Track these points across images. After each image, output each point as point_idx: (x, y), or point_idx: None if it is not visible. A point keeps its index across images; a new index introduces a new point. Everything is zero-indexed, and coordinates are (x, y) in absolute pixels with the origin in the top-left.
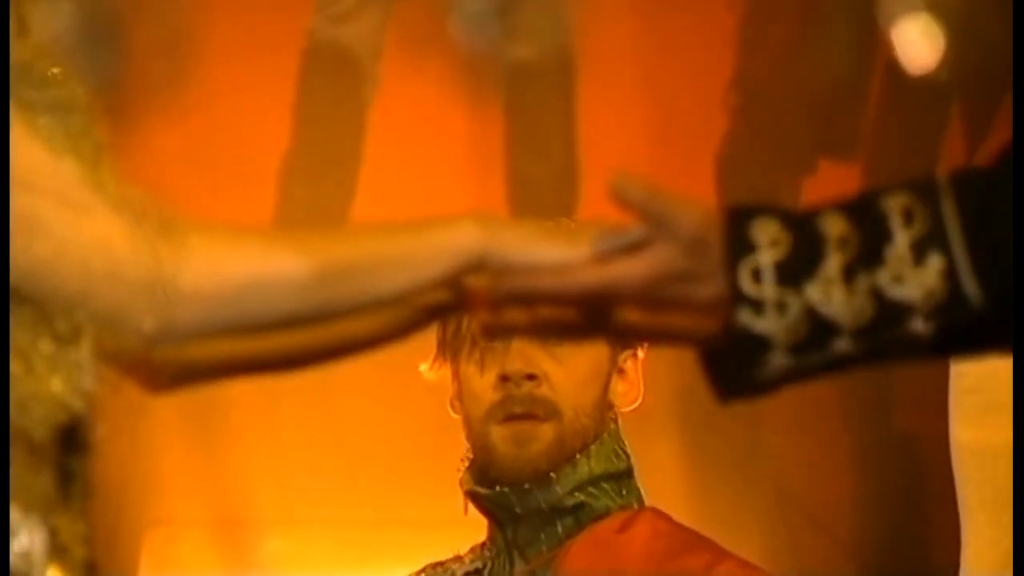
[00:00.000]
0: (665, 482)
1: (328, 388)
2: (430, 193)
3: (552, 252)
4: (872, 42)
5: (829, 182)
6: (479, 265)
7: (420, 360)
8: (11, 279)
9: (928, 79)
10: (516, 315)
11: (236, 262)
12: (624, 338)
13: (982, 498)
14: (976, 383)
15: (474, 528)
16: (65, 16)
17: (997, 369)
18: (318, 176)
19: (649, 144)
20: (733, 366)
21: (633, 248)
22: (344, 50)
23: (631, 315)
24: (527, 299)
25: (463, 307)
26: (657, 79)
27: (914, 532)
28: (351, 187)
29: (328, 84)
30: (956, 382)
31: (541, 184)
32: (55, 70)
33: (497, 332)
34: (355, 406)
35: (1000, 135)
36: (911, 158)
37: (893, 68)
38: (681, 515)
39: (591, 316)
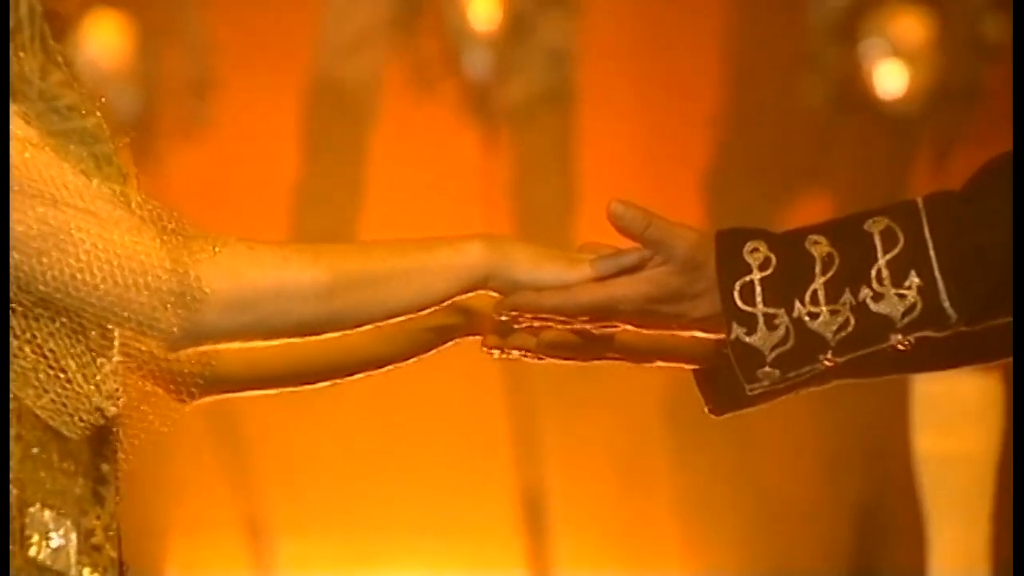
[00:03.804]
0: (660, 491)
1: (341, 403)
2: (442, 214)
3: (556, 272)
4: (845, 79)
5: (806, 201)
6: (485, 283)
7: (426, 375)
8: (45, 292)
9: (896, 110)
10: (522, 337)
11: (255, 271)
12: (623, 358)
13: (950, 503)
14: (938, 394)
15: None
16: (99, 55)
17: (958, 381)
18: (325, 203)
19: (642, 168)
20: (726, 379)
21: (631, 269)
22: (345, 82)
23: (630, 336)
24: (532, 315)
25: (471, 329)
26: (651, 110)
27: (882, 534)
28: (357, 211)
29: (330, 115)
30: (918, 394)
31: (544, 206)
32: (83, 102)
33: (504, 353)
34: (366, 420)
35: (962, 158)
36: (880, 181)
37: (864, 101)
38: (674, 519)
39: (592, 337)
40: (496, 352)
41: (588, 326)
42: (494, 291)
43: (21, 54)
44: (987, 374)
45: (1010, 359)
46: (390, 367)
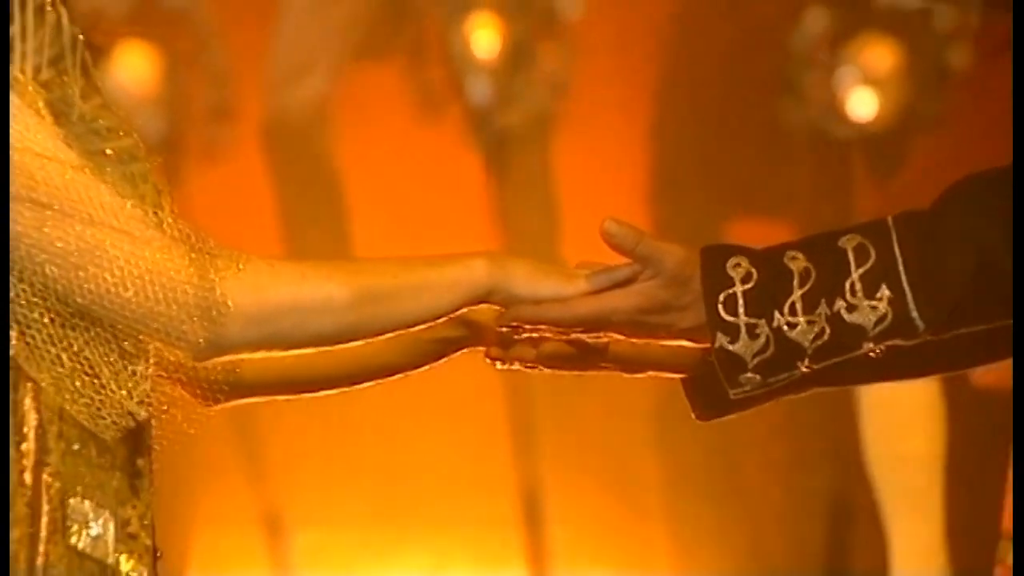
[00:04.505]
0: (648, 494)
1: (353, 407)
2: (439, 230)
3: (553, 287)
4: (821, 104)
5: (787, 222)
6: (488, 297)
7: (434, 382)
8: (82, 304)
9: (867, 133)
10: (523, 348)
11: (275, 287)
12: (616, 368)
13: (904, 501)
14: (881, 401)
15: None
16: (129, 82)
17: (899, 387)
18: (310, 228)
19: (628, 191)
20: (711, 386)
21: (623, 283)
22: (297, 113)
23: (622, 346)
24: (531, 327)
25: (475, 341)
26: (638, 136)
27: (854, 530)
28: (360, 228)
29: (291, 146)
30: (864, 402)
31: (534, 224)
32: (120, 124)
33: (506, 362)
34: (377, 422)
35: (906, 182)
36: (852, 200)
37: (838, 125)
38: (663, 522)
39: (587, 347)
40: (498, 362)
41: (583, 337)
42: (496, 305)
43: (65, 78)
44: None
45: (1009, 360)
46: (401, 375)
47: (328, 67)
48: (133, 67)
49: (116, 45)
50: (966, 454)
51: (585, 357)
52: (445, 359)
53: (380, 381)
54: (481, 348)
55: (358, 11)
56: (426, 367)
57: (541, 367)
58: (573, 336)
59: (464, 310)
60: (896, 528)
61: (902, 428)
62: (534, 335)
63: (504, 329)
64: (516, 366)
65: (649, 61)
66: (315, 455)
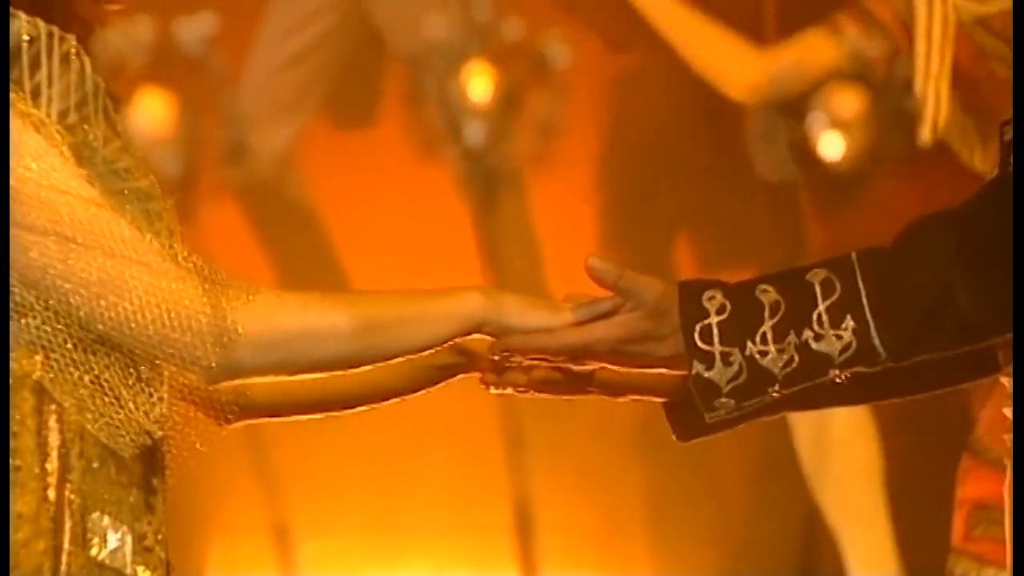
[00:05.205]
0: (631, 506)
1: (357, 426)
2: (438, 265)
3: (541, 318)
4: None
5: (764, 256)
6: (481, 328)
7: (433, 405)
8: (103, 330)
9: (836, 172)
10: (515, 374)
11: (282, 316)
12: (601, 392)
13: (849, 516)
14: (812, 433)
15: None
16: (147, 125)
17: (825, 416)
18: (307, 263)
19: (613, 230)
20: (689, 409)
21: (606, 315)
22: (295, 155)
23: (607, 373)
24: (522, 355)
25: (471, 367)
26: (621, 178)
27: (825, 537)
28: (340, 266)
29: (288, 187)
30: (797, 436)
31: (521, 259)
32: (137, 166)
33: (499, 387)
34: (380, 440)
35: (867, 221)
36: (799, 241)
37: (809, 166)
38: (644, 532)
39: (574, 374)
40: (492, 387)
41: (569, 364)
42: (488, 335)
43: (86, 127)
44: None
45: (1010, 366)
46: (401, 397)
47: (323, 111)
48: (151, 111)
49: (135, 90)
50: (916, 470)
51: (573, 382)
52: (443, 383)
53: (382, 403)
54: (476, 374)
55: (355, 60)
56: (425, 390)
57: (532, 391)
58: (560, 364)
59: (460, 339)
60: (847, 543)
61: (832, 445)
62: (524, 363)
63: (496, 357)
64: (509, 390)
65: (628, 107)
66: (321, 470)
